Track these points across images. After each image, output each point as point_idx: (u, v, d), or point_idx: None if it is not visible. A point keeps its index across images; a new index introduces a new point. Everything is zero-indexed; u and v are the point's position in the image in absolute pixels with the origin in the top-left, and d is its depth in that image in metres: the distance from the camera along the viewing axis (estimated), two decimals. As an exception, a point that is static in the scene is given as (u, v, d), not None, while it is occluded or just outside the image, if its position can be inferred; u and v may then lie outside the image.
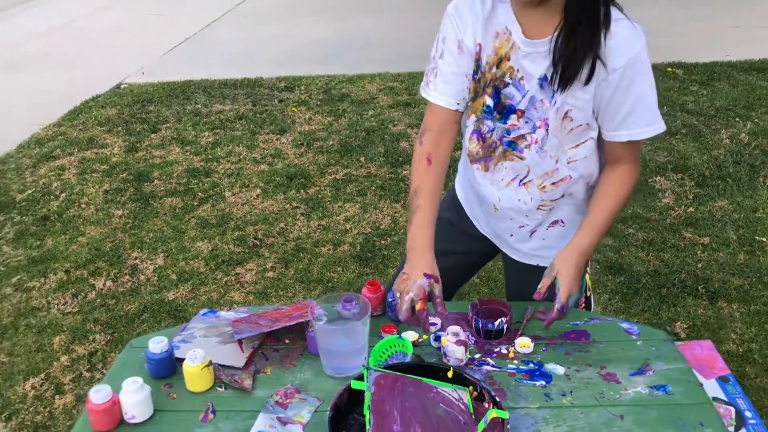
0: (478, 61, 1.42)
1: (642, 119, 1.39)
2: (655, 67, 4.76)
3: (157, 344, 1.41)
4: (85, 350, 2.54)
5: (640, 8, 6.66)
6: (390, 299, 1.57)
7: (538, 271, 1.64)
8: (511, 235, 1.63)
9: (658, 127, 1.40)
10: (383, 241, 3.13)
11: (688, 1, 7.01)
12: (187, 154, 4.04)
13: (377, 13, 7.09)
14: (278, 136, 4.25)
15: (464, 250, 1.80)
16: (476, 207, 1.69)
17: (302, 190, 3.60)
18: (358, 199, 3.50)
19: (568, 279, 1.42)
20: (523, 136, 1.46)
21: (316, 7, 7.45)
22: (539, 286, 1.44)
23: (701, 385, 1.38)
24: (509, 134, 1.46)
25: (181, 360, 1.42)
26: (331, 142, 4.13)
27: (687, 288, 2.75)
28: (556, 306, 1.41)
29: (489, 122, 1.48)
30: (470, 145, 1.54)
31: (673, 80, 4.90)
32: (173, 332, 1.57)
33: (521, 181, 1.51)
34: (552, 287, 1.45)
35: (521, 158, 1.48)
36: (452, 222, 1.76)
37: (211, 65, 5.62)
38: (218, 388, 1.40)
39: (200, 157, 4.00)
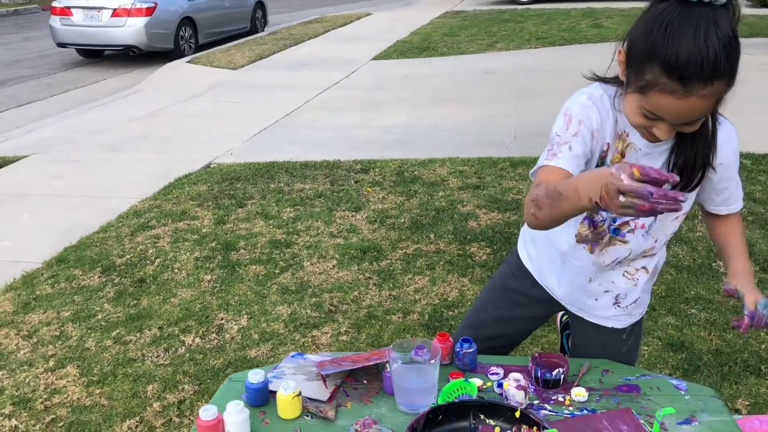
0: (603, 159, 1.53)
1: (735, 199, 1.67)
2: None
3: (255, 375, 1.64)
4: (175, 398, 2.78)
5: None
6: (458, 349, 1.75)
7: (611, 332, 1.82)
8: (596, 300, 1.79)
9: (739, 206, 1.69)
10: (451, 312, 3.31)
11: (759, 95, 7.12)
12: (270, 227, 4.37)
13: (445, 104, 7.48)
14: (353, 213, 4.54)
15: (530, 315, 1.97)
16: (554, 276, 1.82)
17: (375, 263, 3.84)
18: (428, 272, 3.71)
19: (751, 289, 1.63)
20: (626, 223, 1.63)
21: (388, 97, 7.91)
22: (748, 309, 1.62)
23: (744, 435, 1.50)
24: (615, 222, 1.63)
25: (274, 392, 1.64)
26: (402, 220, 4.39)
27: (750, 367, 2.80)
28: (746, 313, 1.60)
29: (603, 212, 1.58)
30: (581, 228, 1.65)
31: (742, 170, 4.97)
32: (266, 370, 1.79)
33: (618, 262, 1.70)
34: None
35: (624, 242, 1.66)
36: (519, 291, 1.91)
37: (292, 149, 6.05)
38: (305, 417, 1.60)
39: (282, 230, 4.32)
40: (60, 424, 2.65)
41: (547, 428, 1.42)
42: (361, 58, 10.58)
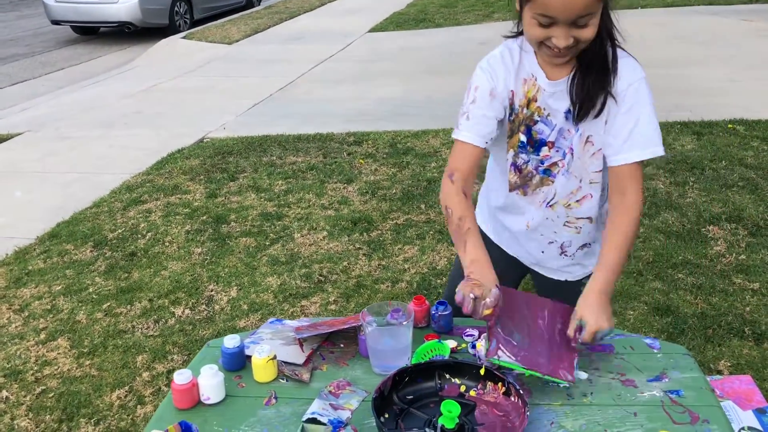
0: (511, 105, 1.62)
1: (640, 142, 1.53)
2: (716, 124, 4.91)
3: (230, 341, 1.65)
4: (164, 368, 2.81)
5: (704, 69, 6.77)
6: (433, 312, 1.76)
7: (567, 286, 1.83)
8: (543, 252, 1.81)
9: (655, 150, 1.53)
10: (439, 280, 3.32)
11: (755, 62, 7.06)
12: (262, 200, 4.38)
13: (440, 76, 7.43)
14: (345, 185, 4.54)
15: (498, 273, 1.98)
16: (505, 234, 1.87)
17: (365, 234, 3.85)
18: (417, 242, 3.72)
19: (592, 318, 1.51)
20: (555, 164, 1.66)
21: (383, 70, 7.86)
22: (568, 332, 1.54)
23: (713, 390, 1.51)
24: (543, 163, 1.66)
25: (250, 357, 1.66)
26: (394, 191, 4.39)
27: (733, 330, 2.81)
28: (578, 342, 1.52)
29: (524, 155, 1.67)
30: (510, 176, 1.72)
31: (734, 136, 4.96)
32: (244, 336, 1.80)
33: (548, 203, 1.71)
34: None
35: (552, 182, 1.68)
36: None
37: (286, 122, 6.03)
38: (280, 380, 1.61)
39: (273, 203, 4.32)
40: (50, 395, 2.68)
41: (511, 383, 1.44)
42: (356, 31, 10.50)
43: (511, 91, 1.61)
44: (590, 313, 1.52)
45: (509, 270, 1.96)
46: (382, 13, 11.90)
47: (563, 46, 1.44)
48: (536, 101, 1.60)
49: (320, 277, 3.43)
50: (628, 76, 1.53)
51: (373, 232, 3.87)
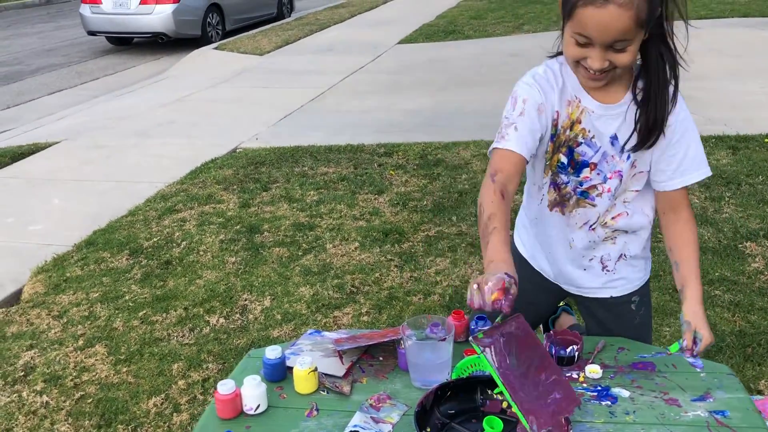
0: (555, 125, 1.63)
1: (691, 167, 1.61)
2: (752, 138, 4.85)
3: (272, 351, 1.67)
4: (199, 376, 2.84)
5: (739, 82, 6.69)
6: (473, 326, 1.77)
7: (611, 302, 1.82)
8: (584, 270, 1.80)
9: (705, 172, 1.62)
10: (472, 294, 3.32)
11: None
12: (294, 210, 4.41)
13: (470, 87, 7.43)
14: (376, 196, 4.56)
15: (533, 301, 1.97)
16: (545, 256, 1.85)
17: (396, 245, 3.86)
18: (449, 254, 3.72)
19: (707, 332, 1.61)
20: (594, 186, 1.66)
21: (412, 82, 7.89)
22: (684, 343, 1.62)
23: (760, 412, 1.49)
24: (582, 185, 1.67)
25: (291, 368, 1.67)
26: (425, 203, 4.39)
27: (774, 349, 2.77)
28: (696, 349, 1.60)
29: (563, 176, 1.68)
30: (548, 195, 1.74)
31: (763, 147, 4.89)
32: (284, 347, 1.82)
33: (591, 225, 1.71)
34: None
35: (593, 205, 1.68)
36: (520, 277, 1.92)
37: (317, 133, 6.08)
38: (321, 392, 1.63)
39: (305, 213, 4.36)
40: (89, 401, 2.73)
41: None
42: (386, 42, 10.55)
43: (557, 111, 1.61)
44: (704, 325, 1.61)
45: (545, 293, 1.94)
46: (411, 25, 11.95)
47: (597, 68, 1.46)
48: (581, 123, 1.61)
49: (352, 288, 3.44)
50: (680, 109, 1.58)
51: (405, 243, 3.88)
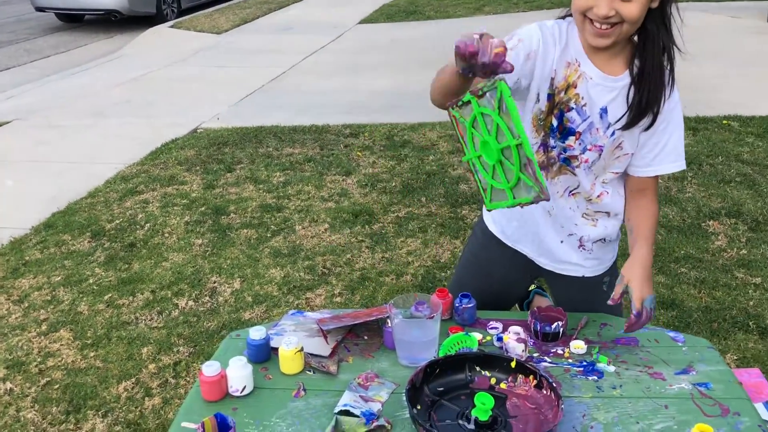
0: (552, 85, 1.59)
1: (669, 158, 1.64)
2: (711, 120, 4.94)
3: (256, 332, 1.64)
4: (170, 360, 2.78)
5: (697, 65, 6.83)
6: (457, 304, 1.76)
7: (583, 282, 1.83)
8: (561, 242, 1.79)
9: (680, 165, 1.65)
10: (443, 273, 3.32)
11: (746, 59, 7.13)
12: (261, 191, 4.35)
13: (433, 68, 7.36)
14: (344, 177, 4.53)
15: (510, 280, 1.96)
16: (523, 228, 1.82)
17: (367, 226, 3.84)
18: (420, 235, 3.72)
19: (638, 284, 1.58)
20: (575, 156, 1.66)
21: (375, 63, 7.83)
22: (613, 294, 1.60)
23: (740, 383, 1.52)
24: (565, 152, 1.66)
25: (275, 349, 1.65)
26: (393, 184, 4.38)
27: (738, 323, 2.85)
28: (633, 312, 1.56)
29: (552, 140, 1.65)
30: (538, 156, 1.69)
31: (729, 132, 5.01)
32: (267, 327, 1.78)
33: (570, 191, 1.71)
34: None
35: (574, 174, 1.68)
36: (491, 260, 1.93)
37: (280, 113, 5.99)
38: (307, 372, 1.61)
39: (272, 194, 4.30)
40: (55, 386, 2.65)
41: (544, 376, 1.44)
42: (347, 22, 10.44)
43: (554, 69, 1.58)
44: (636, 281, 1.58)
45: (518, 272, 1.94)
46: (371, 5, 11.85)
47: (603, 14, 1.45)
48: (576, 87, 1.59)
49: (324, 270, 3.41)
50: (673, 99, 1.59)
51: (375, 224, 3.86)
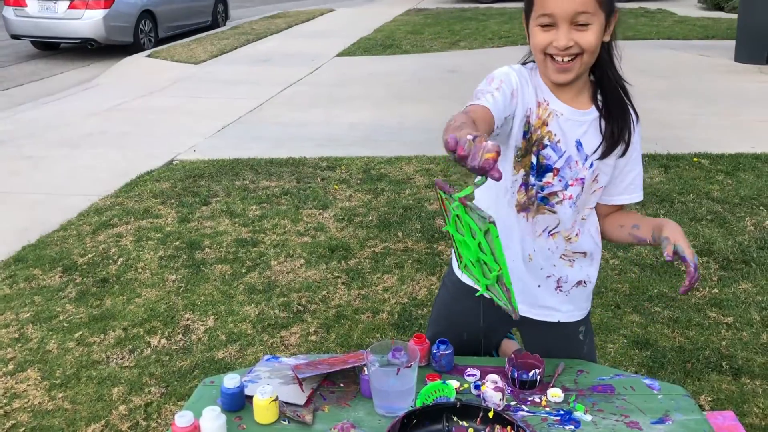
0: (528, 123, 1.62)
1: (637, 187, 1.74)
2: (682, 157, 5.03)
3: (231, 380, 1.61)
4: (141, 401, 2.72)
5: (668, 102, 6.96)
6: (435, 351, 1.75)
7: (559, 328, 1.83)
8: (539, 286, 1.78)
9: (640, 195, 1.77)
10: (420, 311, 3.31)
11: (715, 97, 7.30)
12: (236, 225, 4.32)
13: (410, 102, 7.48)
14: (321, 211, 4.52)
15: (487, 328, 1.95)
16: None
17: (343, 261, 3.82)
18: (396, 271, 3.71)
19: (684, 241, 1.59)
20: (555, 193, 1.67)
21: (353, 95, 7.89)
22: (666, 252, 1.57)
23: (716, 433, 1.53)
24: (543, 191, 1.68)
25: (250, 397, 1.62)
26: (370, 218, 4.38)
27: (711, 364, 2.87)
28: (691, 266, 1.57)
29: (532, 178, 1.67)
30: (518, 195, 1.69)
31: (699, 170, 5.10)
32: (241, 374, 1.76)
33: (550, 232, 1.72)
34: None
35: (553, 212, 1.70)
36: (464, 311, 1.89)
37: (257, 146, 5.98)
38: (282, 422, 1.58)
39: (248, 228, 4.27)
40: (21, 430, 2.58)
41: (522, 427, 1.43)
42: (324, 55, 10.52)
43: (529, 108, 1.62)
44: (682, 240, 1.59)
45: (493, 321, 1.91)
46: (349, 38, 11.97)
47: (563, 46, 1.50)
48: (547, 125, 1.63)
49: (299, 307, 3.39)
50: (638, 130, 1.69)
51: (351, 260, 3.85)
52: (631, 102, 1.66)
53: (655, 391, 1.67)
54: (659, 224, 1.65)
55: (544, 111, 1.62)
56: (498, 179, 1.19)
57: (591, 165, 1.65)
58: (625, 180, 1.71)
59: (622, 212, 1.79)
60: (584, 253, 1.77)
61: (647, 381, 1.71)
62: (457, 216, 1.38)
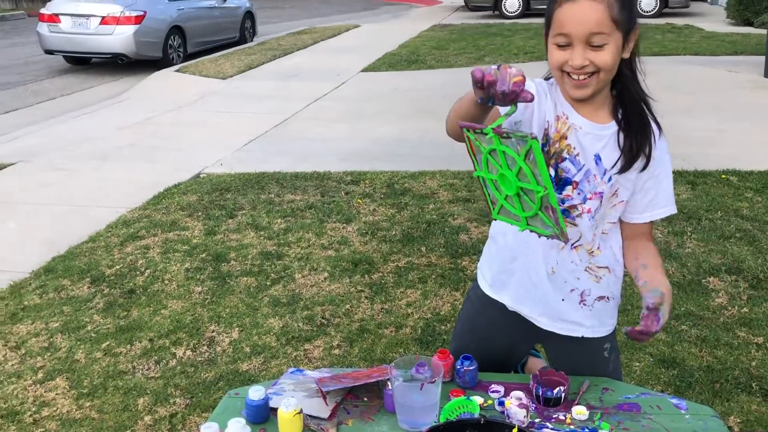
0: (547, 135, 1.64)
1: (662, 202, 1.70)
2: (710, 174, 4.99)
3: (255, 392, 1.62)
4: (166, 412, 2.75)
5: (694, 118, 6.90)
6: (458, 366, 1.75)
7: (583, 344, 1.82)
8: (563, 300, 1.77)
9: (671, 209, 1.72)
10: (443, 326, 3.31)
11: (744, 113, 7.22)
12: (261, 238, 4.35)
13: (435, 117, 7.49)
14: (344, 224, 4.54)
15: (510, 342, 1.95)
16: (523, 288, 1.80)
17: (366, 275, 3.83)
18: (419, 286, 3.71)
19: (668, 308, 1.59)
20: (575, 206, 1.68)
21: (377, 110, 7.93)
22: (653, 300, 1.57)
23: (745, 455, 1.51)
24: (563, 203, 1.68)
25: (274, 409, 1.63)
26: (393, 232, 4.39)
27: (741, 384, 2.82)
28: (658, 323, 1.56)
29: None
30: None
31: (728, 187, 5.04)
32: (265, 386, 1.77)
33: (573, 244, 1.71)
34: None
35: (574, 225, 1.69)
36: (489, 325, 1.91)
37: (282, 160, 6.04)
38: (306, 435, 1.59)
39: (273, 241, 4.30)
40: (49, 438, 2.62)
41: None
42: (350, 70, 10.60)
43: (548, 121, 1.63)
44: (668, 305, 1.57)
45: (517, 335, 1.92)
46: (374, 54, 12.05)
47: (578, 64, 1.51)
48: (566, 138, 1.63)
49: (323, 320, 3.40)
50: (661, 145, 1.67)
51: (375, 274, 3.86)
52: (654, 116, 1.65)
53: (683, 411, 1.65)
54: (661, 281, 1.63)
55: (563, 125, 1.63)
56: (530, 100, 1.28)
57: (609, 179, 1.64)
58: (648, 195, 1.69)
59: (646, 245, 1.73)
60: (607, 268, 1.76)
61: (674, 400, 1.69)
62: (490, 153, 1.37)
